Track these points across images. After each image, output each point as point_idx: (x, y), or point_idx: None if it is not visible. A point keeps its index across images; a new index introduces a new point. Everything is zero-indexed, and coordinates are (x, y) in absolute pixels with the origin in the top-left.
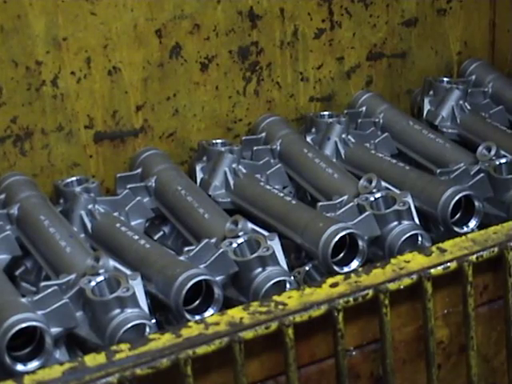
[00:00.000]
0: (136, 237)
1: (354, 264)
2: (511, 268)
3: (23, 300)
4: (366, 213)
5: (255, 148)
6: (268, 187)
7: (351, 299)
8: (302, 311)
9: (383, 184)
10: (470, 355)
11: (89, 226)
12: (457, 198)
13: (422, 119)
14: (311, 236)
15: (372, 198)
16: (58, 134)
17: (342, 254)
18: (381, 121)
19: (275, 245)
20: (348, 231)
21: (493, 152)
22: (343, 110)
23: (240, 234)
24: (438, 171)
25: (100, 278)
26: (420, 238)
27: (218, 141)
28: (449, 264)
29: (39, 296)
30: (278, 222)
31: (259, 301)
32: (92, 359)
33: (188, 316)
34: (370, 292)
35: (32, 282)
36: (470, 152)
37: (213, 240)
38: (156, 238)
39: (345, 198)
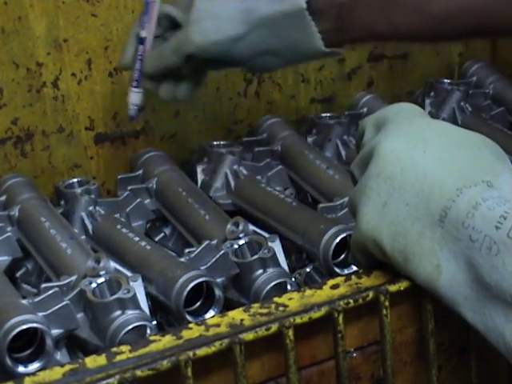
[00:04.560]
0: (137, 238)
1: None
2: None
3: (24, 301)
4: None
5: (256, 149)
6: (269, 189)
7: (351, 301)
8: (302, 313)
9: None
10: (470, 356)
11: (89, 227)
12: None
13: None
14: (312, 237)
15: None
16: (58, 136)
17: (343, 256)
18: None
19: (276, 246)
20: (349, 233)
21: None
22: (344, 112)
23: (241, 235)
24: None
25: (101, 280)
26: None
27: (219, 142)
28: None
29: (40, 297)
30: (279, 224)
31: (260, 302)
32: (92, 361)
33: (189, 317)
34: (371, 293)
35: (33, 284)
36: None
37: (214, 241)
38: (157, 239)
39: (346, 199)
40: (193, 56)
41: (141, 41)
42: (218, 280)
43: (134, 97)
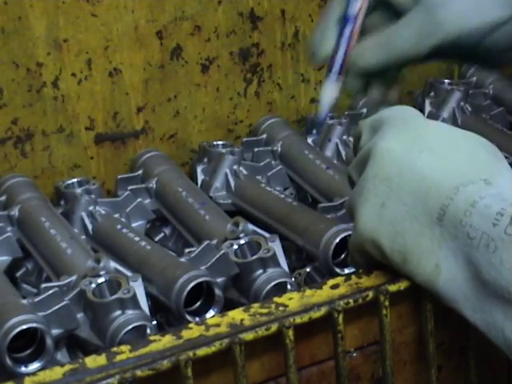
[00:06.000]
0: (137, 238)
1: None
2: None
3: (24, 301)
4: None
5: (256, 149)
6: (269, 189)
7: (351, 301)
8: (302, 313)
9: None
10: (470, 356)
11: (89, 227)
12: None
13: None
14: (312, 237)
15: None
16: (58, 136)
17: (343, 256)
18: None
19: (276, 246)
20: (349, 233)
21: None
22: (344, 112)
23: (241, 235)
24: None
25: (101, 280)
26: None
27: (219, 142)
28: None
29: (40, 297)
30: (279, 224)
31: (260, 302)
32: (92, 361)
33: (189, 317)
34: (370, 293)
35: (33, 284)
36: None
37: (214, 241)
38: (157, 239)
39: (345, 199)
40: (439, 47)
41: (348, 20)
42: (218, 280)
43: (331, 91)
